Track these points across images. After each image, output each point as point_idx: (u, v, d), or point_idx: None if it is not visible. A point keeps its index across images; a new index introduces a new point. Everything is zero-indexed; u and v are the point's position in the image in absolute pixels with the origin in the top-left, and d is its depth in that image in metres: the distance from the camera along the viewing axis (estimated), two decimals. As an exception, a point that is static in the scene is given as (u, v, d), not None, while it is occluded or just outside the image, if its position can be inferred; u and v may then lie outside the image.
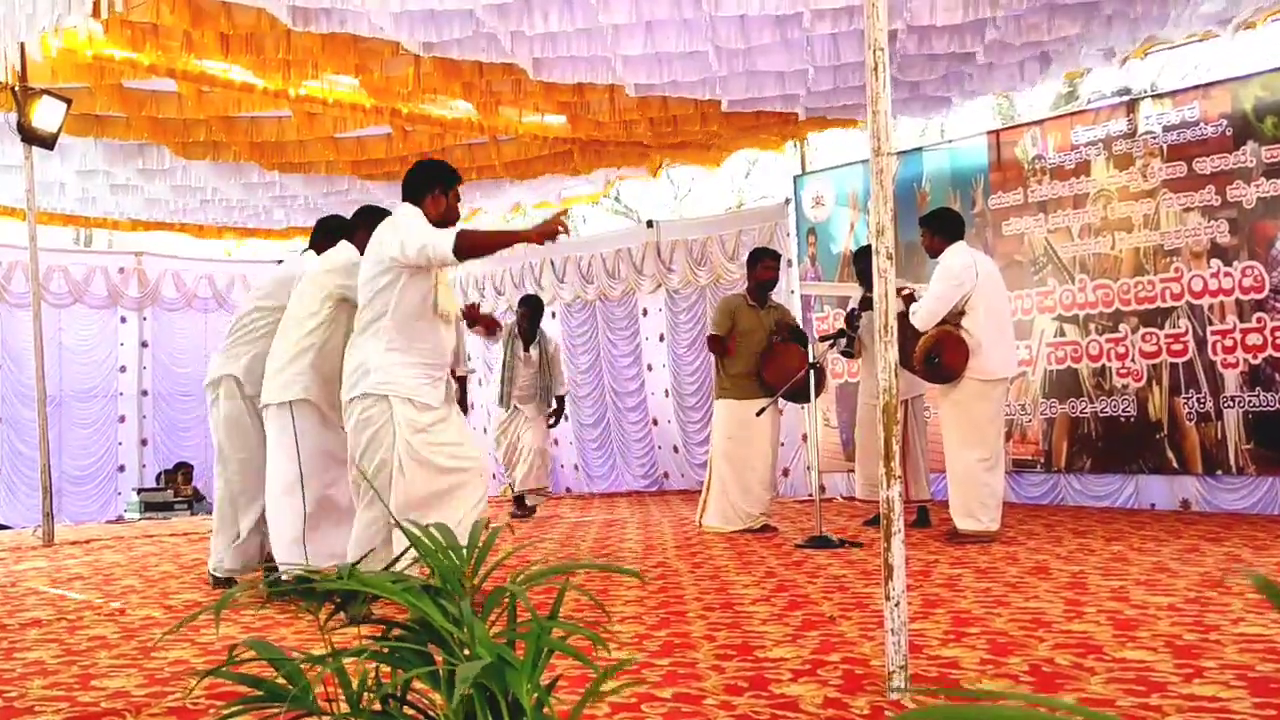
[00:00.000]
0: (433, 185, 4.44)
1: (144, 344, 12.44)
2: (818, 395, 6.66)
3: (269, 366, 4.88)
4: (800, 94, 7.89)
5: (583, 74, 7.36)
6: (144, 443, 12.36)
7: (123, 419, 12.24)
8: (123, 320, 12.32)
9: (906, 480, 6.74)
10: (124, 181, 9.60)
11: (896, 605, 2.83)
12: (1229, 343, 7.22)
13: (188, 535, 8.36)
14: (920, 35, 6.96)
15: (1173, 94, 7.78)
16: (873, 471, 6.62)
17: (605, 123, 8.51)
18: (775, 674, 3.13)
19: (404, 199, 4.46)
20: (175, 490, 11.52)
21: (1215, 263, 7.30)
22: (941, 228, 6.33)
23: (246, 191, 9.98)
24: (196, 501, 11.41)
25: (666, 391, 11.18)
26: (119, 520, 11.09)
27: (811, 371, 6.51)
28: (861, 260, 7.12)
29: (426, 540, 1.81)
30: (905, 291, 6.27)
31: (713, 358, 7.35)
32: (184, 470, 11.82)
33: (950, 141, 9.26)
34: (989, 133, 8.81)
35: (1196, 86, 7.71)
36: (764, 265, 7.15)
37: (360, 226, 4.87)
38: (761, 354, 6.95)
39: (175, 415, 12.62)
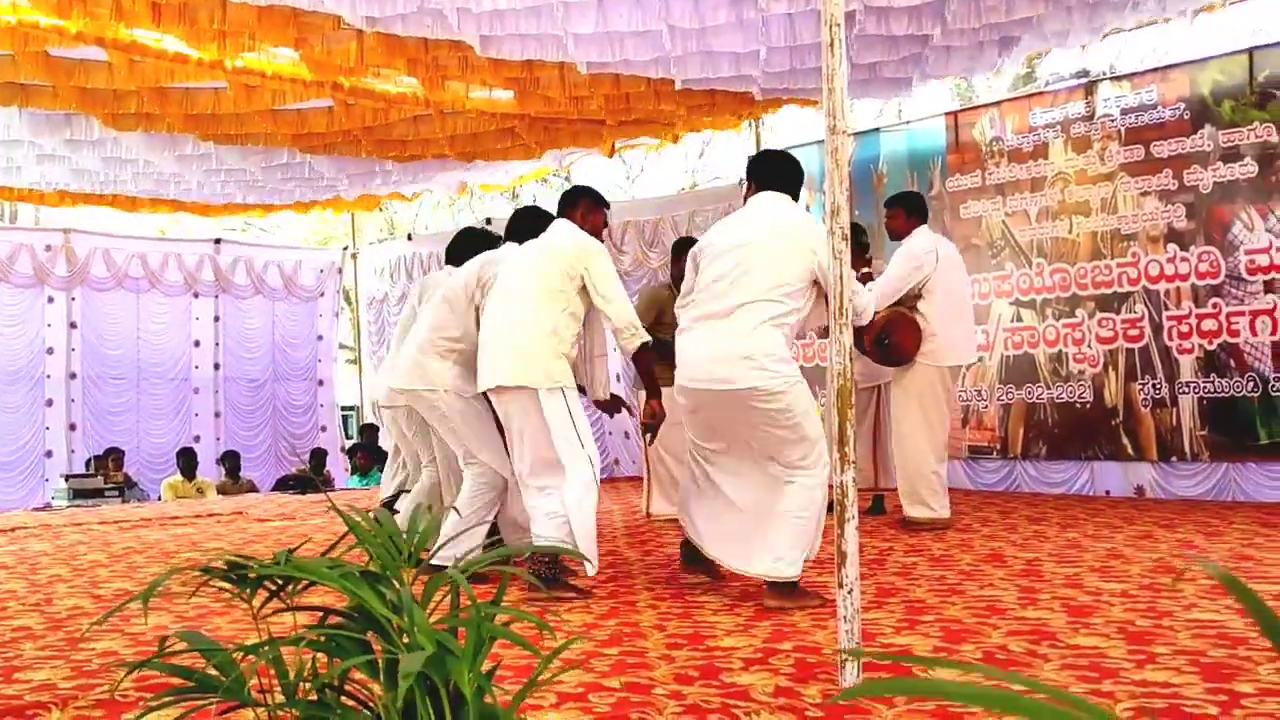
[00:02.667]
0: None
1: (72, 325, 12.24)
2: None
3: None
4: (756, 74, 7.89)
5: (532, 51, 7.31)
6: (72, 427, 12.17)
7: (50, 403, 12.04)
8: (50, 300, 12.11)
9: (877, 468, 6.78)
10: (50, 152, 9.41)
11: (849, 593, 2.85)
12: (1185, 328, 7.35)
13: (118, 523, 8.24)
14: (879, 16, 6.99)
15: (1131, 76, 7.89)
16: (859, 456, 6.66)
17: (555, 99, 8.46)
18: (726, 663, 3.14)
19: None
20: (105, 477, 11.34)
21: (1172, 247, 7.42)
22: (916, 208, 6.38)
23: (180, 164, 9.80)
24: (128, 488, 11.24)
25: (618, 376, 11.16)
26: (46, 508, 10.89)
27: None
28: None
29: (365, 524, 1.80)
30: (863, 271, 6.31)
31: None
32: (114, 456, 11.64)
33: (908, 123, 9.33)
34: (947, 114, 8.89)
35: (1155, 69, 7.82)
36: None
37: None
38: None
39: (105, 399, 12.44)
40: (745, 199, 4.39)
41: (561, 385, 4.43)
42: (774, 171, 4.36)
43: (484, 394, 4.68)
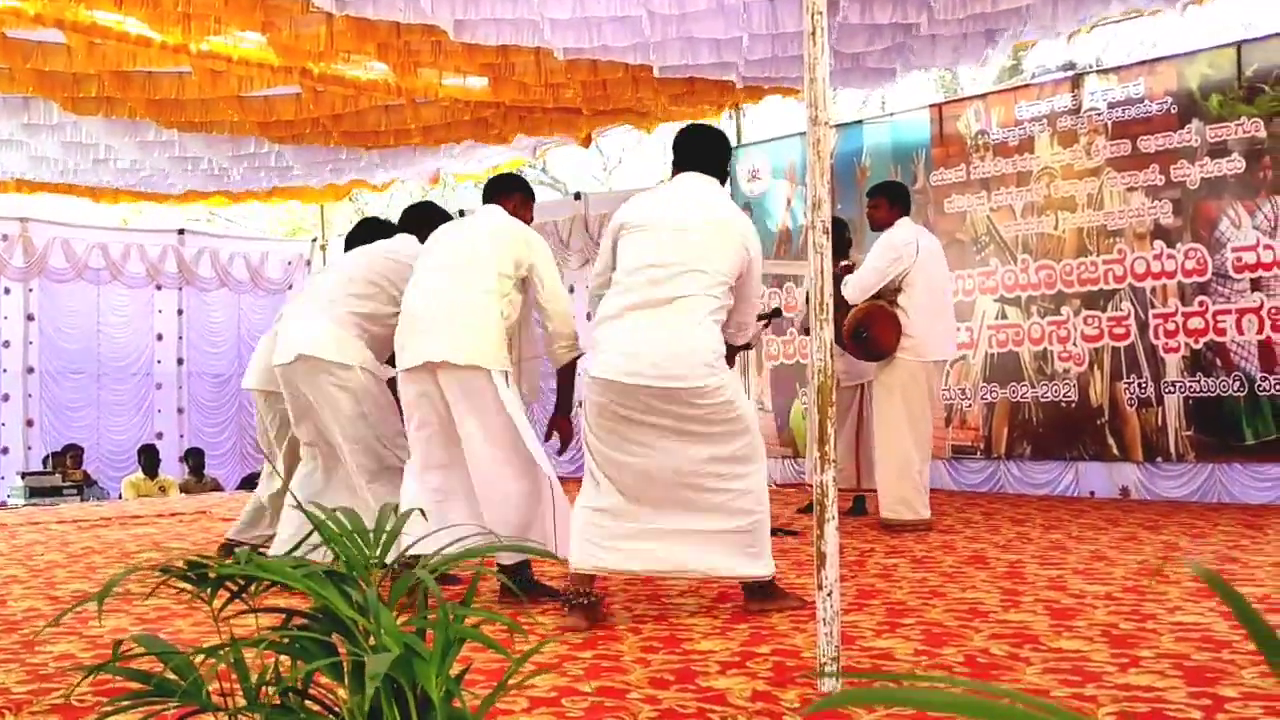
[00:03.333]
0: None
1: (30, 317, 12.15)
2: (743, 374, 6.70)
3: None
4: (737, 62, 7.90)
5: (507, 36, 7.29)
6: (29, 423, 12.08)
7: (6, 397, 11.94)
8: (6, 292, 12.01)
9: (860, 468, 6.79)
10: (7, 136, 9.32)
11: (829, 595, 2.85)
12: (1171, 326, 7.40)
13: (76, 522, 8.17)
14: (862, 4, 7.00)
15: (1118, 70, 7.92)
16: (840, 455, 6.67)
17: (531, 86, 8.44)
18: (703, 667, 3.14)
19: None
20: (64, 474, 11.26)
21: (1158, 244, 7.47)
22: (898, 198, 6.38)
23: (142, 151, 9.72)
24: (87, 486, 11.16)
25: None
26: (1, 506, 10.80)
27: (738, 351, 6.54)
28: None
29: (331, 523, 1.78)
30: (842, 264, 6.31)
31: None
32: (73, 453, 11.55)
33: (891, 115, 9.35)
34: (931, 106, 8.91)
35: (1142, 62, 7.86)
36: None
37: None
38: None
39: (64, 395, 12.34)
40: (672, 176, 4.16)
41: (507, 373, 4.23)
42: (701, 150, 4.14)
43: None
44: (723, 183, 4.18)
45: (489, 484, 4.20)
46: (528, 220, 4.58)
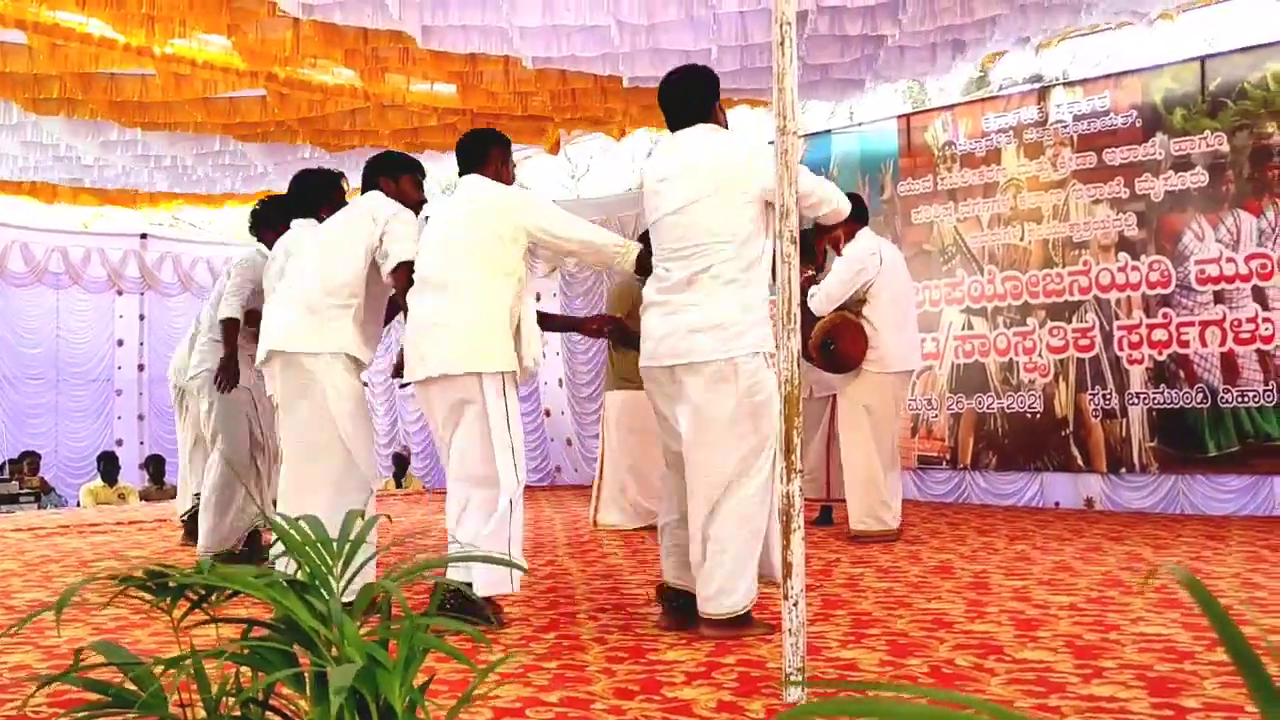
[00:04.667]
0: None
1: (-13, 322, 12.00)
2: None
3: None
4: (705, 72, 7.92)
5: (476, 44, 7.28)
6: (-15, 430, 11.93)
7: (-38, 404, 11.78)
8: (-37, 296, 11.86)
9: (830, 478, 6.79)
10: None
11: (795, 605, 2.86)
12: (1135, 338, 7.48)
13: (33, 530, 8.07)
14: (832, 15, 7.05)
15: (1084, 82, 8.02)
16: (812, 465, 6.69)
17: (499, 94, 8.44)
18: (668, 677, 3.14)
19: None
20: (20, 481, 11.12)
21: (1123, 256, 7.55)
22: (856, 212, 6.40)
23: (105, 150, 9.63)
24: (44, 494, 11.03)
25: (560, 381, 11.17)
26: (-44, 514, 10.67)
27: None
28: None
29: (294, 532, 1.77)
30: (806, 274, 6.30)
31: (607, 347, 7.31)
32: (31, 460, 11.41)
33: (860, 125, 9.41)
34: (899, 117, 8.98)
35: (1108, 76, 7.96)
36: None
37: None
38: None
39: (22, 400, 12.20)
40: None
41: (504, 371, 4.02)
42: (690, 99, 3.93)
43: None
44: (720, 123, 3.99)
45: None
46: (512, 177, 4.42)
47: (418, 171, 4.69)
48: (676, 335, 3.75)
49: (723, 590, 3.65)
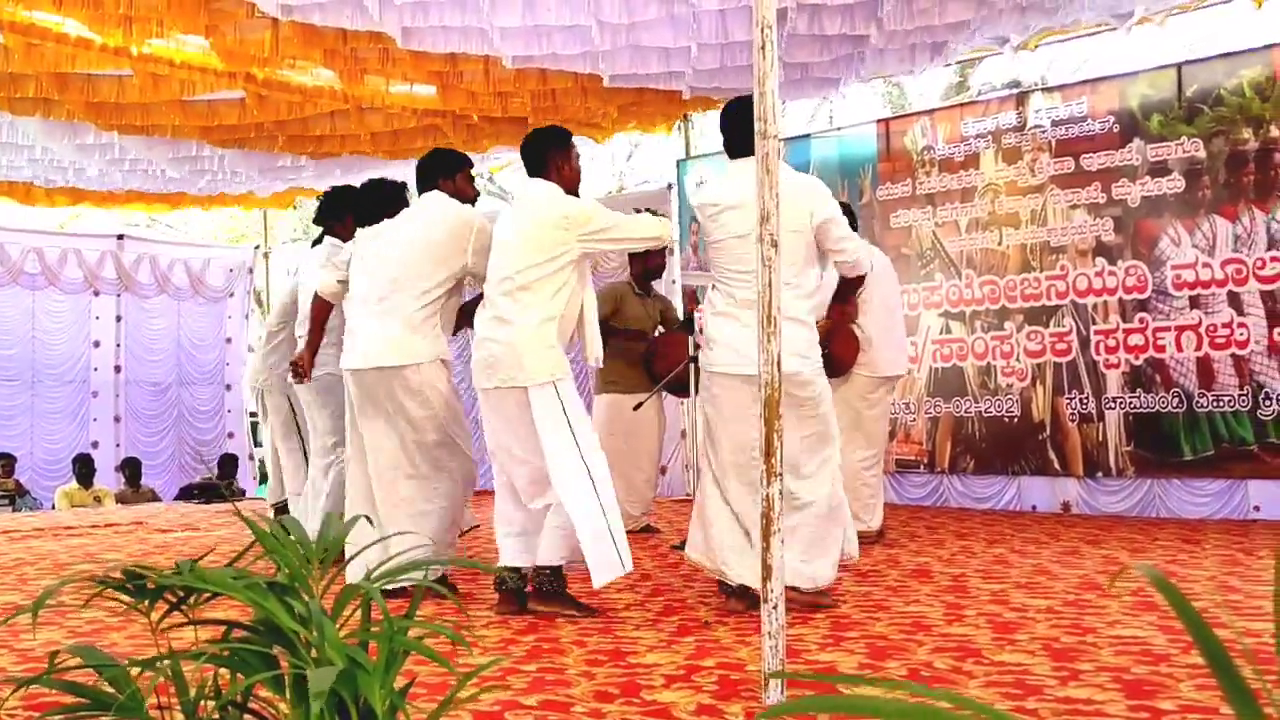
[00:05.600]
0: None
1: (-40, 324, 11.89)
2: (698, 389, 6.70)
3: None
4: (685, 72, 7.94)
5: (456, 44, 7.27)
6: (-41, 432, 11.81)
7: (-64, 405, 11.68)
8: (-63, 297, 11.75)
9: None
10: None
11: (774, 608, 2.87)
12: (1111, 343, 7.53)
13: (8, 533, 8.01)
14: (811, 14, 7.07)
15: (1062, 88, 8.07)
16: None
17: (480, 94, 8.42)
18: (648, 680, 3.15)
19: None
20: (-6, 484, 11.04)
21: (1100, 261, 7.60)
22: (849, 215, 6.41)
23: (80, 152, 9.57)
24: (19, 496, 10.94)
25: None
26: (-71, 517, 10.56)
27: (694, 364, 6.54)
28: None
29: (271, 533, 1.77)
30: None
31: None
32: (5, 462, 11.32)
33: (839, 129, 9.44)
34: (878, 121, 9.01)
35: (1086, 81, 8.01)
36: (657, 251, 7.12)
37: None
38: (650, 344, 6.93)
39: (-4, 402, 12.09)
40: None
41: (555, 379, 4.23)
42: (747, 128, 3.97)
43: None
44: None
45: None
46: (578, 172, 4.56)
47: (470, 165, 4.97)
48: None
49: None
